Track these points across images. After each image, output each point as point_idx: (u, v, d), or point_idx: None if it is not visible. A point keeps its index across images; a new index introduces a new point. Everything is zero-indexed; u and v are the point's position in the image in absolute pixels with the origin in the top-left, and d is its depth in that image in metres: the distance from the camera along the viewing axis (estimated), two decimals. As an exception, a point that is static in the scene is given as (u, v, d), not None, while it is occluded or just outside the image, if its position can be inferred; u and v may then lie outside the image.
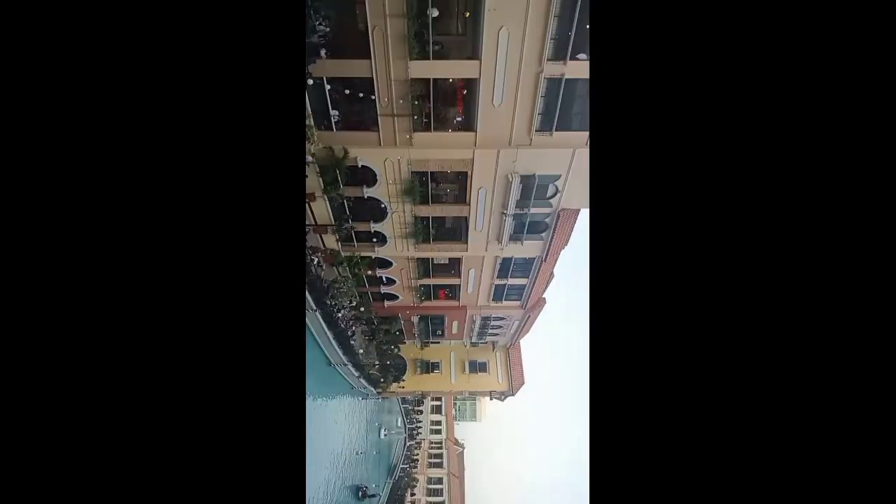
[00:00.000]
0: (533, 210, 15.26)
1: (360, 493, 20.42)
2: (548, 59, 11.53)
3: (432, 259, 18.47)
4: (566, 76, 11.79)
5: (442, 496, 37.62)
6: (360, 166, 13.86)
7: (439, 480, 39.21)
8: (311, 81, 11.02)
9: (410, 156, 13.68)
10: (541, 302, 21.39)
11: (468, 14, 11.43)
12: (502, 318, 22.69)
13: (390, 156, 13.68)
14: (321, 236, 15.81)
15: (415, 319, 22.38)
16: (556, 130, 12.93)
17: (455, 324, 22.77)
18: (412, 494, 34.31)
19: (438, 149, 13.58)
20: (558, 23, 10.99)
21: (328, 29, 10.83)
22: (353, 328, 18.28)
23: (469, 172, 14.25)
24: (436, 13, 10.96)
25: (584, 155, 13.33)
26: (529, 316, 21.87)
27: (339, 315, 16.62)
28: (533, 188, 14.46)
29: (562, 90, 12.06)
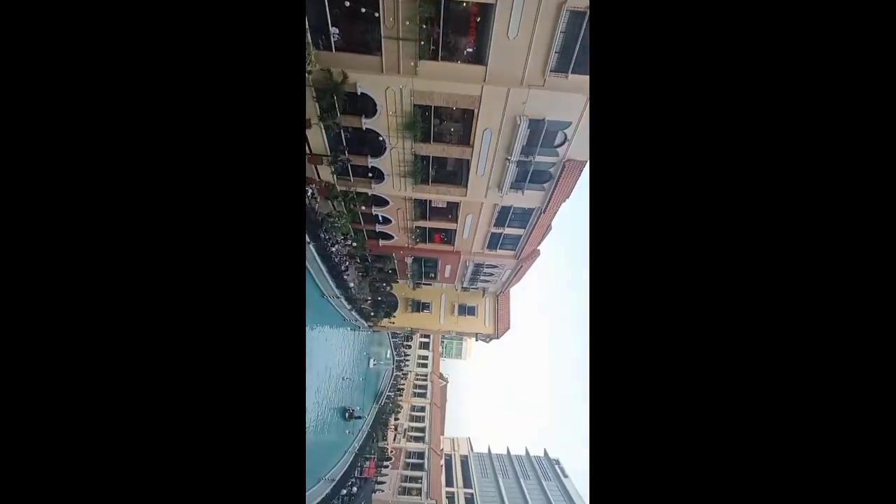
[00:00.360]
0: (538, 158, 14.67)
1: (347, 415, 22.07)
2: (574, -14, 10.31)
3: (430, 201, 18.13)
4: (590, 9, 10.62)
5: (424, 422, 40.94)
6: (359, 93, 12.98)
7: (422, 409, 42.41)
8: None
9: (414, 86, 12.77)
10: (535, 253, 21.48)
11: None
12: (495, 266, 22.94)
13: (392, 84, 12.76)
14: (316, 167, 15.29)
15: (408, 260, 22.58)
16: (573, 73, 11.98)
17: (448, 268, 23.05)
18: (396, 419, 37.26)
19: (445, 81, 12.64)
20: (592, -59, 9.63)
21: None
22: (347, 263, 18.44)
23: (475, 111, 13.44)
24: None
25: (598, 102, 12.50)
26: (522, 266, 22.09)
27: (333, 249, 16.66)
28: (541, 134, 13.76)
29: (584, 26, 10.94)
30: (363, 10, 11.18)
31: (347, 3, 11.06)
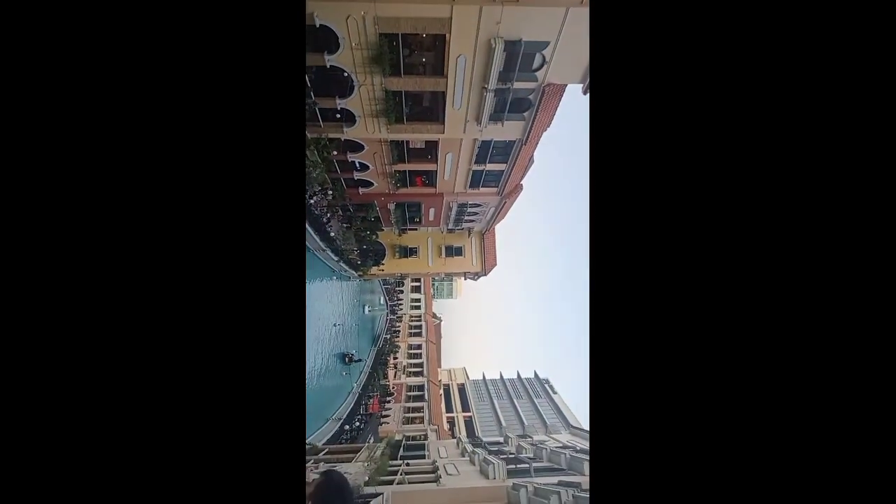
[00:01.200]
0: (516, 84, 13.94)
1: (347, 359, 23.07)
2: None
3: (407, 142, 17.38)
4: None
5: (421, 358, 43.34)
6: (318, 25, 11.70)
7: (419, 346, 44.66)
8: None
9: (377, 12, 11.55)
10: (518, 188, 21.36)
11: None
12: (479, 205, 22.85)
13: (353, 12, 11.51)
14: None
15: (391, 207, 22.20)
16: (550, -18, 10.97)
17: (432, 211, 22.85)
18: (395, 358, 39.30)
19: (410, 3, 11.45)
20: None
21: None
22: (329, 215, 18.03)
23: (447, 36, 12.40)
24: None
25: (578, 15, 11.64)
26: (506, 202, 22.07)
27: (312, 201, 16.14)
28: (518, 57, 12.93)
29: (561, -78, 9.80)
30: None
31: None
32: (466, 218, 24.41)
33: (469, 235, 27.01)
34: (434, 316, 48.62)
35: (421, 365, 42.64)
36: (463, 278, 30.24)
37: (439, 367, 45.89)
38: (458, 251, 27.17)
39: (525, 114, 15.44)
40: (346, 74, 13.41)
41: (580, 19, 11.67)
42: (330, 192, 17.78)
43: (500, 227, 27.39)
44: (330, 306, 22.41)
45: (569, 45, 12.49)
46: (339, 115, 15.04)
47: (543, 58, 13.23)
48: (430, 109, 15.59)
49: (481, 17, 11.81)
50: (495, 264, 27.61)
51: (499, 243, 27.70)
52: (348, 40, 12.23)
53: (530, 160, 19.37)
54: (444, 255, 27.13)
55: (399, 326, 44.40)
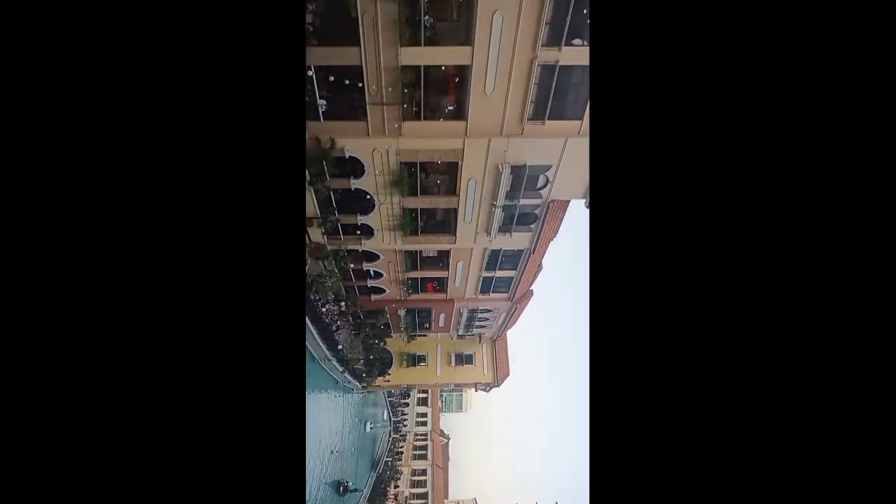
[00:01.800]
0: (523, 201, 15.19)
1: (342, 489, 20.15)
2: (542, 45, 11.35)
3: (420, 252, 18.16)
4: (561, 63, 11.65)
5: (426, 487, 37.84)
6: (347, 157, 13.32)
7: (423, 472, 39.39)
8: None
9: (399, 146, 13.25)
10: (528, 294, 21.53)
11: (461, -2, 11.07)
12: (489, 311, 22.73)
13: (378, 146, 13.21)
14: (307, 230, 15.18)
15: (401, 313, 22.07)
16: (549, 119, 12.83)
17: (442, 316, 22.64)
18: (396, 486, 34.32)
19: (428, 138, 13.22)
20: (554, 6, 10.80)
21: (317, 17, 10.22)
22: (338, 323, 17.81)
23: (459, 163, 13.98)
24: (427, -5, 10.54)
25: (576, 144, 13.33)
26: (516, 308, 22.00)
27: (324, 310, 16.10)
28: (523, 179, 14.36)
29: (556, 77, 11.93)
30: (347, 81, 11.79)
31: (332, 78, 11.66)
32: (477, 324, 24.02)
33: (480, 342, 26.20)
34: (441, 434, 44.06)
35: (425, 495, 37.00)
36: (474, 389, 28.32)
37: (446, 498, 39.75)
38: (469, 359, 26.02)
39: (532, 226, 16.47)
40: (368, 196, 14.74)
41: (579, 146, 13.32)
42: (343, 303, 17.89)
43: (512, 335, 26.72)
44: (328, 424, 20.46)
45: (570, 167, 14.00)
46: (359, 231, 16.03)
47: (547, 178, 14.70)
48: (443, 223, 16.69)
49: (490, 147, 13.50)
50: (508, 373, 26.14)
51: (512, 350, 26.69)
52: (373, 168, 13.76)
53: (539, 267, 19.95)
54: (453, 363, 25.91)
55: (402, 447, 39.85)
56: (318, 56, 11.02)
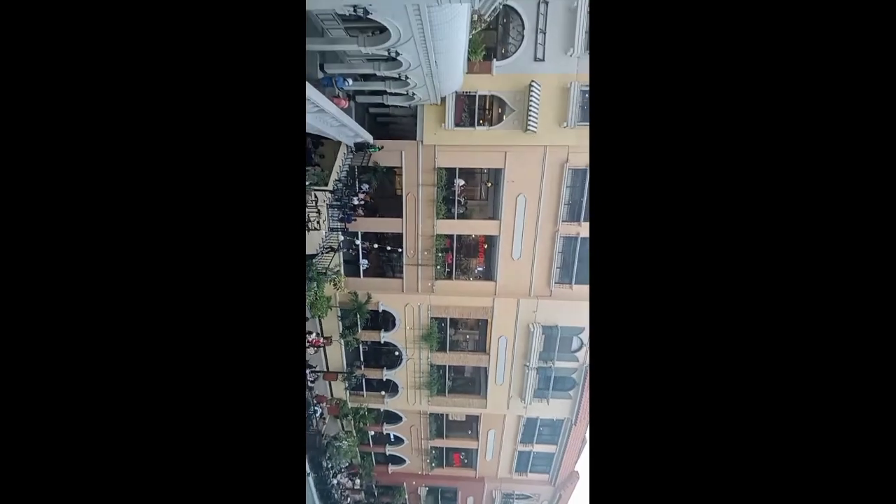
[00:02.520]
0: (558, 363, 14.26)
1: None
2: (563, 220, 12.56)
3: (447, 415, 16.60)
4: (581, 235, 12.60)
5: None
6: (380, 311, 13.94)
7: None
8: (344, 237, 12.14)
9: (431, 301, 13.80)
10: (574, 476, 17.92)
11: (490, 184, 13.14)
12: (528, 497, 18.75)
13: (412, 301, 13.85)
14: (330, 383, 14.85)
15: (422, 492, 18.76)
16: (576, 284, 13.12)
17: (470, 500, 18.85)
18: None
19: (459, 296, 13.75)
20: (570, 192, 12.38)
21: (369, 196, 12.51)
22: (349, 498, 15.30)
23: (489, 320, 14.02)
24: (462, 182, 12.67)
25: (607, 308, 13.13)
26: (561, 495, 18.04)
27: (335, 482, 14.15)
28: (556, 339, 13.84)
29: (578, 247, 12.73)
30: (389, 248, 13.37)
31: (376, 245, 13.33)
32: (513, 515, 19.53)
33: (518, 543, 20.74)
34: None
35: None
36: None
37: None
38: (504, 569, 20.20)
39: (570, 392, 14.97)
40: (396, 352, 14.70)
41: (609, 310, 13.09)
42: (357, 478, 15.85)
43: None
44: None
45: (604, 330, 13.45)
46: (383, 391, 15.41)
47: (581, 341, 14.07)
48: (472, 381, 15.69)
49: (519, 306, 13.64)
50: None
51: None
52: (404, 321, 14.12)
53: (583, 441, 17.12)
54: (484, 573, 20.14)
55: None
56: (366, 225, 12.88)
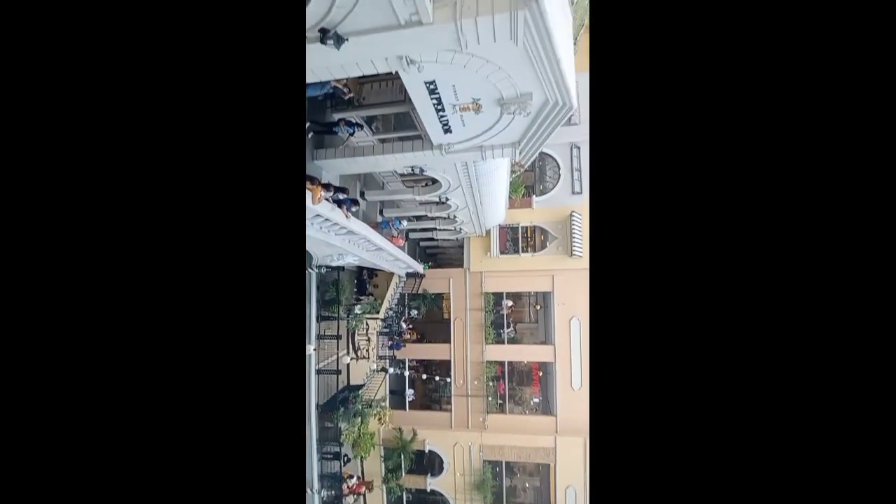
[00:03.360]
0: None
1: None
2: (624, 345, 11.58)
3: None
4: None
5: None
6: (427, 451, 12.54)
7: None
8: (392, 369, 11.82)
9: (483, 441, 12.30)
10: None
11: (538, 307, 12.85)
12: None
13: (461, 440, 12.43)
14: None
15: None
16: (652, 419, 11.33)
17: None
18: None
19: (514, 433, 12.21)
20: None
21: (418, 316, 12.57)
22: None
23: (552, 465, 12.02)
24: (510, 303, 12.50)
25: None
26: None
27: None
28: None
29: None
30: (437, 377, 12.76)
31: (424, 376, 12.82)
32: None
33: None
34: None
35: None
36: None
37: None
38: None
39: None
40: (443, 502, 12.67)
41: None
42: None
43: None
44: None
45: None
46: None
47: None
48: (537, 550, 12.72)
49: (587, 449, 11.74)
50: None
51: None
52: (453, 465, 12.46)
53: None
54: None
55: None
56: (413, 351, 12.59)
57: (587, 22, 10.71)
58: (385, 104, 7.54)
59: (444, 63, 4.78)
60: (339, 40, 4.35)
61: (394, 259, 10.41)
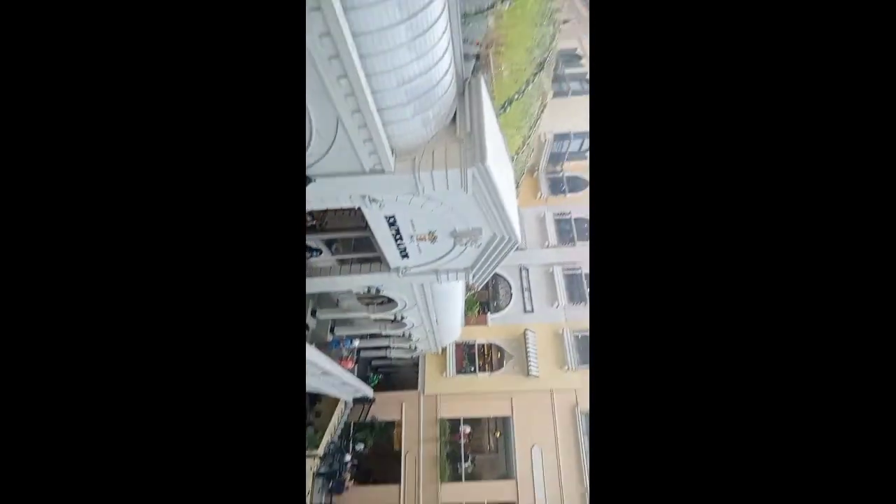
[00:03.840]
0: None
1: None
2: (590, 475, 10.76)
3: None
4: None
5: None
6: None
7: None
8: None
9: None
10: None
11: (499, 434, 11.96)
12: None
13: None
14: None
15: None
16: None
17: None
18: None
19: None
20: (589, 440, 11.17)
21: (364, 450, 11.04)
22: None
23: None
24: (468, 429, 11.51)
25: None
26: None
27: None
28: None
29: None
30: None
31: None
32: None
33: None
34: None
35: None
36: None
37: None
38: None
39: None
40: None
41: None
42: None
43: None
44: None
45: None
46: None
47: None
48: None
49: None
50: None
51: None
52: None
53: None
54: None
55: None
56: (355, 497, 10.70)
57: (526, 169, 12.62)
58: (346, 229, 7.80)
59: (403, 202, 5.22)
60: (307, 180, 4.69)
61: (341, 383, 9.55)
